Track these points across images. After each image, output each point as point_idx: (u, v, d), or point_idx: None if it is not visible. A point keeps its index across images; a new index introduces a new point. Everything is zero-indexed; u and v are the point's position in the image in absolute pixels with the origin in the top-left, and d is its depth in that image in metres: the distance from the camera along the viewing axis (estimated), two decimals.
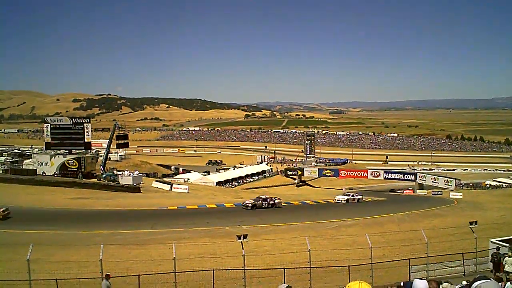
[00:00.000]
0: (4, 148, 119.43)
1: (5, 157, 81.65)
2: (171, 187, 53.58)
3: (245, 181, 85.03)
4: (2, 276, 17.78)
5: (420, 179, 79.81)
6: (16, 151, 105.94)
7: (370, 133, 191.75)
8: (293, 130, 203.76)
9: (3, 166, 66.44)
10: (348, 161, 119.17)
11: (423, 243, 19.56)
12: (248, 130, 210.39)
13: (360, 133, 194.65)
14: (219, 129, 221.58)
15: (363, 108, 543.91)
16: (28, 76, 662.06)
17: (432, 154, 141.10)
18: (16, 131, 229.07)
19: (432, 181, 77.85)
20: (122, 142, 61.74)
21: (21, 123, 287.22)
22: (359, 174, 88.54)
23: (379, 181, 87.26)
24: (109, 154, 66.91)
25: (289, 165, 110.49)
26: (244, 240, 17.79)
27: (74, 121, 61.75)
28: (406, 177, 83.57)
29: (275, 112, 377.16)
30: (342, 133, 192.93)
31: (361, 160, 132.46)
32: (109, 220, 33.74)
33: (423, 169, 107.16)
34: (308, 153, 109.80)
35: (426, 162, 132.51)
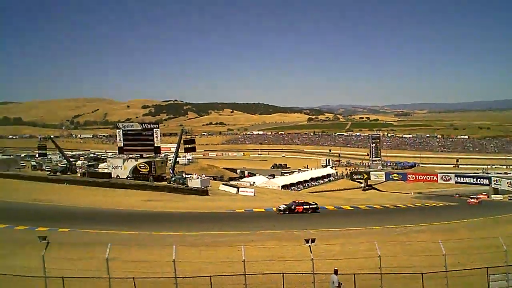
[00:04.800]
0: (81, 153, 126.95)
1: (82, 161, 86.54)
2: (238, 190, 54.42)
3: (310, 184, 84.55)
4: (84, 273, 18.92)
5: (495, 184, 75.47)
6: (92, 155, 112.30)
7: (438, 136, 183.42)
8: (357, 133, 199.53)
9: (80, 169, 70.47)
10: (416, 165, 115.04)
11: (501, 251, 18.55)
12: (312, 134, 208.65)
13: (428, 135, 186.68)
14: (283, 132, 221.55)
15: (429, 109, 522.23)
16: (101, 84, 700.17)
17: (507, 157, 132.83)
18: (91, 136, 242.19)
19: (508, 186, 73.44)
20: (189, 146, 63.37)
21: (95, 128, 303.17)
22: (428, 178, 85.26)
23: (450, 185, 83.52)
24: (177, 158, 68.98)
25: (354, 169, 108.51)
26: (312, 244, 17.71)
27: (144, 127, 64.29)
28: (480, 181, 79.28)
29: (338, 115, 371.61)
30: (408, 135, 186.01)
31: (430, 163, 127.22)
32: (180, 221, 35.05)
33: (498, 173, 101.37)
34: (373, 156, 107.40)
35: (500, 165, 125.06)
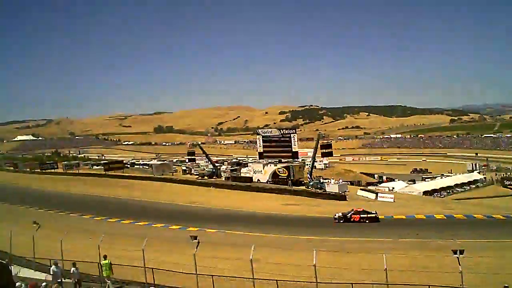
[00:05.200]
0: (225, 158, 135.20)
1: (226, 166, 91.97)
2: (377, 196, 53.09)
3: (454, 191, 78.81)
4: (230, 272, 20.34)
5: None
6: (235, 160, 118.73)
7: None
8: (508, 135, 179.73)
9: (225, 174, 75.18)
10: None
11: None
12: (455, 136, 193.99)
13: None
14: (422, 135, 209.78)
15: None
16: (241, 92, 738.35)
17: None
18: (233, 142, 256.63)
19: None
20: (326, 151, 63.64)
21: (237, 135, 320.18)
22: None
23: None
24: (314, 163, 69.72)
25: (506, 174, 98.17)
26: (461, 255, 16.70)
27: (282, 132, 66.28)
28: None
29: (484, 116, 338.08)
30: None
31: None
32: (319, 226, 35.47)
33: None
34: None
35: None
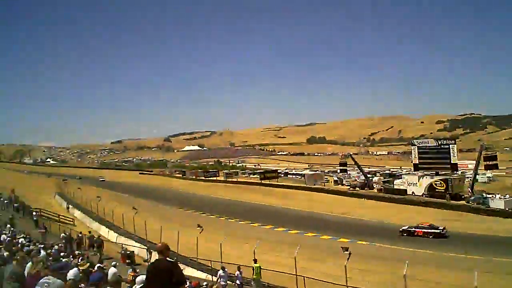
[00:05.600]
0: (377, 169, 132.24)
1: (378, 177, 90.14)
2: None
3: None
4: (380, 286, 20.45)
5: None
6: (387, 171, 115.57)
7: None
8: None
9: (377, 185, 73.89)
10: None
11: None
12: None
13: None
14: None
15: None
16: (396, 102, 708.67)
17: None
18: (386, 153, 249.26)
19: None
20: (490, 163, 58.62)
21: (390, 145, 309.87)
22: None
23: None
24: (476, 176, 64.67)
25: None
26: None
27: (439, 143, 62.94)
28: None
29: None
30: None
31: None
32: (479, 244, 32.83)
33: None
34: None
35: None
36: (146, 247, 31.58)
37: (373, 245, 34.67)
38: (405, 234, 37.47)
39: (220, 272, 20.95)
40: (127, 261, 26.80)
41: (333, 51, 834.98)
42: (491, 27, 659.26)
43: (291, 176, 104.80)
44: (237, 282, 21.11)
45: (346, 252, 19.87)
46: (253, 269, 22.14)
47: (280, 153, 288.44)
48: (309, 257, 26.60)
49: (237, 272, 21.18)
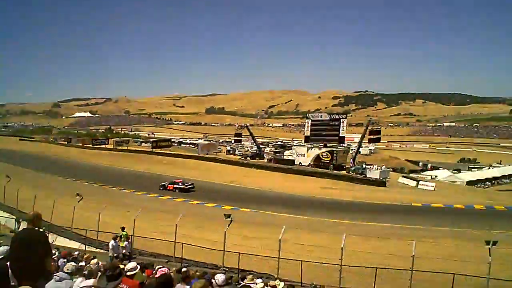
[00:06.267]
0: (270, 140, 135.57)
1: (270, 148, 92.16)
2: (417, 184, 51.74)
3: (500, 182, 75.21)
4: (257, 251, 20.63)
5: None
6: (279, 143, 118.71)
7: None
8: None
9: (268, 155, 75.38)
10: None
11: None
12: None
13: None
14: (477, 125, 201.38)
15: None
16: (296, 76, 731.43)
17: None
18: (281, 125, 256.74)
19: None
20: (374, 137, 62.43)
21: (286, 118, 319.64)
22: None
23: None
24: (360, 148, 68.55)
25: None
26: (493, 246, 16.21)
27: (331, 117, 65.55)
28: None
29: None
30: None
31: None
32: (352, 210, 35.17)
33: None
34: None
35: None
36: (14, 217, 29.48)
37: (256, 211, 35.04)
38: (161, 188, 44.99)
39: (112, 242, 20.30)
40: None
41: (239, 24, 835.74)
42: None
43: (184, 145, 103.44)
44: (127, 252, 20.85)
45: (228, 219, 20.19)
46: (120, 237, 21.58)
47: (177, 122, 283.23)
48: (192, 225, 26.33)
49: (125, 242, 20.93)
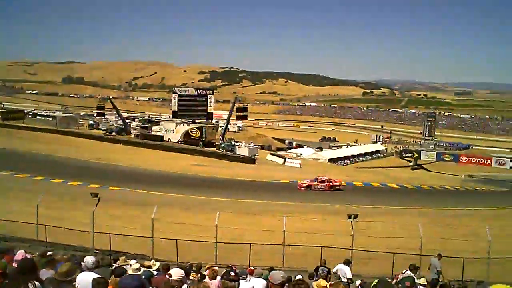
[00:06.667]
0: (136, 115, 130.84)
1: (136, 123, 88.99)
2: (285, 161, 54.49)
3: (357, 160, 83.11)
4: (129, 231, 19.84)
5: None
6: (147, 118, 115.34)
7: (498, 118, 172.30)
8: (413, 111, 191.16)
9: (135, 131, 72.75)
10: (471, 147, 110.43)
11: None
12: (365, 108, 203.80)
13: (487, 117, 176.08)
14: (335, 105, 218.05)
15: (492, 90, 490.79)
16: (160, 47, 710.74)
17: None
18: (147, 99, 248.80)
19: None
20: (241, 114, 63.89)
21: (152, 92, 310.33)
22: (481, 161, 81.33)
23: (504, 170, 79.09)
24: (228, 125, 69.67)
25: (405, 147, 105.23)
26: (355, 220, 17.75)
27: (199, 92, 65.26)
28: None
29: (394, 91, 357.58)
30: (467, 116, 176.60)
31: (486, 146, 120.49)
32: (225, 188, 35.69)
33: None
34: (426, 135, 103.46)
35: None
36: None
37: (126, 190, 33.62)
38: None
39: None
40: None
41: None
42: None
43: (40, 117, 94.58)
44: None
45: (95, 198, 19.51)
46: None
47: (29, 91, 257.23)
48: (53, 206, 24.12)
49: None
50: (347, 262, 13.44)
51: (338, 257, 16.66)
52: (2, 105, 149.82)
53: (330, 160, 72.43)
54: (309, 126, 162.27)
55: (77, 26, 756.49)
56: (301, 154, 72.81)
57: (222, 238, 17.84)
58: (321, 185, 36.98)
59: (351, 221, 17.59)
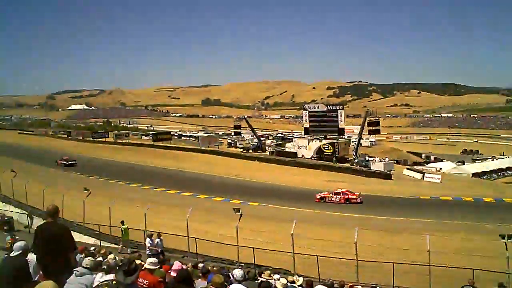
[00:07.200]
0: (270, 133, 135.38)
1: (271, 140, 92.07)
2: (423, 176, 51.83)
3: (506, 174, 75.41)
4: (270, 246, 20.35)
5: None
6: (280, 135, 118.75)
7: None
8: None
9: (269, 148, 75.37)
10: None
11: None
12: (510, 117, 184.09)
13: None
14: (475, 115, 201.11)
15: None
16: (289, 66, 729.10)
17: None
18: (279, 117, 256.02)
19: None
20: (373, 128, 62.39)
21: (283, 109, 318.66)
22: None
23: None
24: (360, 140, 68.62)
25: None
26: (509, 240, 16.26)
27: (329, 108, 65.52)
28: None
29: None
30: None
31: None
32: (362, 204, 35.23)
33: None
34: None
35: None
36: (27, 212, 29.54)
37: (264, 205, 35.10)
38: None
39: (148, 240, 19.70)
40: (5, 227, 25.16)
41: (225, 17, 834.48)
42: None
43: (185, 138, 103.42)
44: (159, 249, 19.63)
45: (237, 213, 20.01)
46: (121, 231, 21.90)
47: (174, 114, 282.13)
48: (200, 219, 26.07)
49: (157, 240, 19.85)
50: (501, 285, 12.54)
51: (490, 280, 15.37)
52: (152, 128, 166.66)
53: (474, 174, 66.88)
54: (446, 139, 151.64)
55: (212, 51, 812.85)
56: (440, 168, 68.52)
57: (362, 255, 17.40)
58: (336, 197, 36.50)
59: (505, 242, 16.09)
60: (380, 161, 56.82)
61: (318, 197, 37.26)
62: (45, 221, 5.76)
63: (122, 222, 22.09)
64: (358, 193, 36.75)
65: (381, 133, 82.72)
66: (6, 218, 27.16)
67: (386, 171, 52.24)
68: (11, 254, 5.87)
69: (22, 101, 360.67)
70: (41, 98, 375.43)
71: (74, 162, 60.59)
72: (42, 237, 5.49)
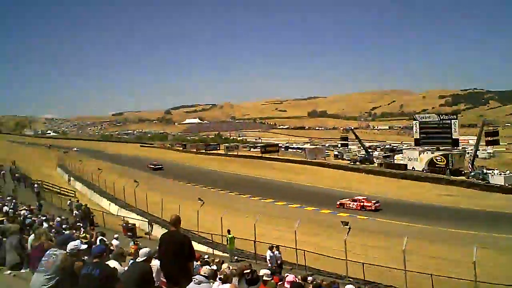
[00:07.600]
0: (378, 144, 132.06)
1: (378, 152, 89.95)
2: None
3: None
4: (380, 261, 20.37)
5: None
6: (388, 146, 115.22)
7: None
8: None
9: (377, 160, 73.87)
10: None
11: None
12: None
13: None
14: None
15: None
16: (398, 75, 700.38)
17: None
18: (387, 127, 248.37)
19: None
20: (491, 139, 58.42)
21: (391, 120, 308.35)
22: None
23: None
24: (477, 152, 64.50)
25: None
26: None
27: (441, 118, 62.65)
28: None
29: None
30: None
31: None
32: (480, 220, 32.96)
33: None
34: None
35: None
36: (147, 220, 32.00)
37: (373, 220, 34.81)
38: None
39: (269, 252, 18.97)
40: (129, 233, 27.24)
41: (334, 26, 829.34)
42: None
43: (291, 150, 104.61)
44: (278, 261, 19.17)
45: (346, 226, 19.89)
46: (227, 240, 22.78)
47: (280, 126, 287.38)
48: (308, 232, 26.69)
49: (276, 252, 19.18)
50: None
51: None
52: (260, 140, 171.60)
53: None
54: None
55: (316, 63, 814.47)
56: None
57: (481, 276, 16.24)
58: (353, 204, 38.98)
59: None
60: (500, 174, 52.76)
61: (338, 203, 39.87)
62: (169, 230, 6.19)
63: (229, 231, 23.08)
64: (374, 202, 38.71)
65: (500, 143, 76.79)
66: (129, 225, 29.47)
67: (507, 185, 48.54)
68: (137, 260, 6.25)
69: (143, 117, 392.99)
70: (159, 113, 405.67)
71: (160, 166, 72.38)
72: (167, 245, 5.85)
